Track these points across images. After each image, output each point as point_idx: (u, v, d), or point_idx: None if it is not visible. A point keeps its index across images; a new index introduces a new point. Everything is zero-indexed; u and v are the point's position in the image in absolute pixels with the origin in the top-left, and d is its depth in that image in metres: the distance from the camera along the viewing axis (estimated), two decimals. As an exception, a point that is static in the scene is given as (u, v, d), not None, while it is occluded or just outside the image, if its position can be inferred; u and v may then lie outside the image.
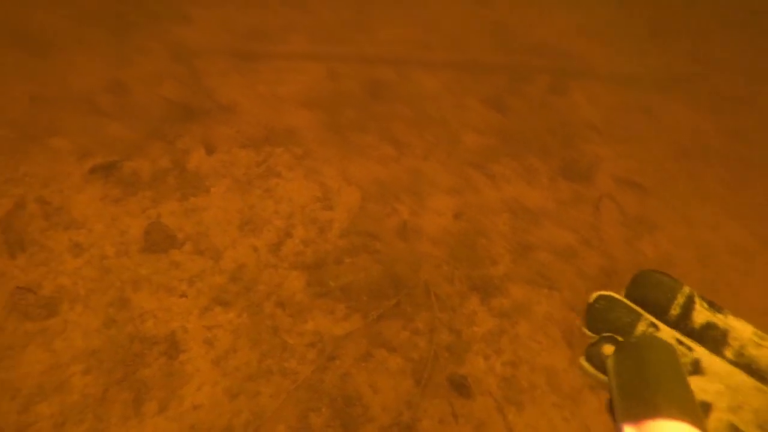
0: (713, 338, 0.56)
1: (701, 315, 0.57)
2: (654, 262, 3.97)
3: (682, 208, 4.41)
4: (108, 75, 5.26)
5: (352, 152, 4.73)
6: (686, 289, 0.59)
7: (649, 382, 0.49)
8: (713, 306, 0.58)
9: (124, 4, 5.95)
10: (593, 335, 0.59)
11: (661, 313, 0.58)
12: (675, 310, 0.58)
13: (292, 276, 3.69)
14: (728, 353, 0.55)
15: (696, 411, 0.47)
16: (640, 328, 0.57)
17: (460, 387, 3.13)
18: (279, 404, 2.98)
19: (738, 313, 0.56)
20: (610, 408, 0.52)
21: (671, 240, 4.14)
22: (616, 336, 0.58)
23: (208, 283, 3.60)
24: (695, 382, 0.53)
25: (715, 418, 0.52)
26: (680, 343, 0.56)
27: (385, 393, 3.09)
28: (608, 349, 0.57)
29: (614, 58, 6.02)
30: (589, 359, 0.58)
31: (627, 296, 0.61)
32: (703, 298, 0.59)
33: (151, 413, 2.89)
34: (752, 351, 0.54)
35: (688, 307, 0.58)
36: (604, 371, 0.56)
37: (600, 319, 0.59)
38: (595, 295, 0.61)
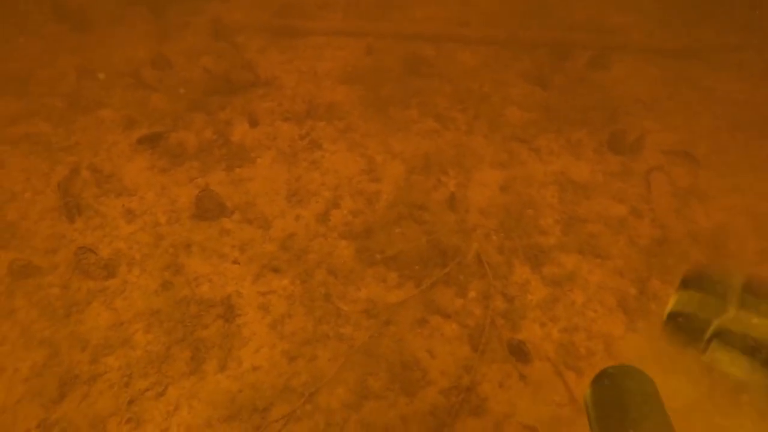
0: None
1: None
2: (708, 231, 3.87)
3: (735, 179, 4.30)
4: (150, 49, 5.28)
5: (394, 126, 4.69)
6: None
7: (629, 412, 0.52)
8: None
9: (161, -18, 5.95)
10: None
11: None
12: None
13: (342, 245, 3.67)
14: None
15: None
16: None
17: (519, 352, 3.09)
18: (337, 368, 2.97)
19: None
20: None
21: (724, 210, 4.04)
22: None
23: (259, 250, 3.59)
24: None
25: None
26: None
27: (443, 358, 3.06)
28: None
29: (657, 31, 5.89)
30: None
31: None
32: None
33: (212, 371, 2.89)
34: None
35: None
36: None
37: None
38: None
